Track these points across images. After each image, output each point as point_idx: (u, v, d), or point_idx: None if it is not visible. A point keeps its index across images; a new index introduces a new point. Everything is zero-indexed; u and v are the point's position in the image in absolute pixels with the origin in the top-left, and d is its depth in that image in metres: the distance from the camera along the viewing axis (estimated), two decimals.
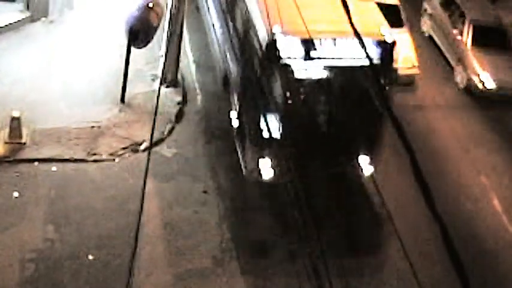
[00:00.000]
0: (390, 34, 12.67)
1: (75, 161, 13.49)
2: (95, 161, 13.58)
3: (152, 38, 14.76)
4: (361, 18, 11.77)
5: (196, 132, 14.84)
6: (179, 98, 15.50)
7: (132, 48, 14.64)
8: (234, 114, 13.59)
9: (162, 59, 15.46)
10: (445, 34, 19.59)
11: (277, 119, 12.12)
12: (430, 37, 20.30)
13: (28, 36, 16.39)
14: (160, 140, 14.31)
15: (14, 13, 16.71)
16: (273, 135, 12.19)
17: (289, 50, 12.11)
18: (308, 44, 12.03)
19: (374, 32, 12.62)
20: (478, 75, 17.85)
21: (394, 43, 12.63)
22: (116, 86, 15.04)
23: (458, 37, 18.91)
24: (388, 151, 13.44)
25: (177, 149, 14.30)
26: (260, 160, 12.72)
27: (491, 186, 14.93)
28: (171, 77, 15.63)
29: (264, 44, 12.21)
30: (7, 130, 13.46)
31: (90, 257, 11.73)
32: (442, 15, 19.91)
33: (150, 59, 16.23)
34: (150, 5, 14.42)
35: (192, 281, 11.71)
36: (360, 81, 12.36)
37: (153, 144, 13.68)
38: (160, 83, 15.19)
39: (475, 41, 18.59)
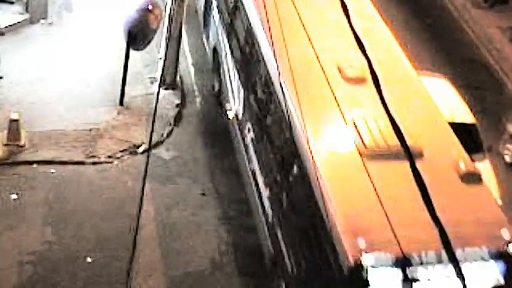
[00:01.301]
0: None
1: (74, 163, 13.47)
2: (94, 163, 13.57)
3: (151, 40, 14.75)
4: (470, 215, 8.90)
5: (195, 135, 14.83)
6: (178, 101, 15.49)
7: (131, 51, 14.64)
8: None
9: (161, 62, 15.44)
10: None
11: None
12: None
13: (27, 38, 16.37)
14: (159, 143, 14.29)
15: (12, 15, 16.69)
16: None
17: (378, 272, 8.48)
18: (403, 262, 8.41)
19: (493, 234, 8.73)
20: None
21: None
22: (115, 88, 15.02)
23: None
24: None
25: (176, 152, 14.29)
26: None
27: None
28: (169, 80, 15.62)
29: (344, 267, 8.54)
30: (5, 132, 13.45)
31: (89, 260, 11.72)
32: None
33: (148, 61, 16.22)
34: (149, 7, 14.41)
35: (191, 283, 11.70)
36: None
37: (151, 146, 13.68)
38: (159, 86, 15.16)
39: None
